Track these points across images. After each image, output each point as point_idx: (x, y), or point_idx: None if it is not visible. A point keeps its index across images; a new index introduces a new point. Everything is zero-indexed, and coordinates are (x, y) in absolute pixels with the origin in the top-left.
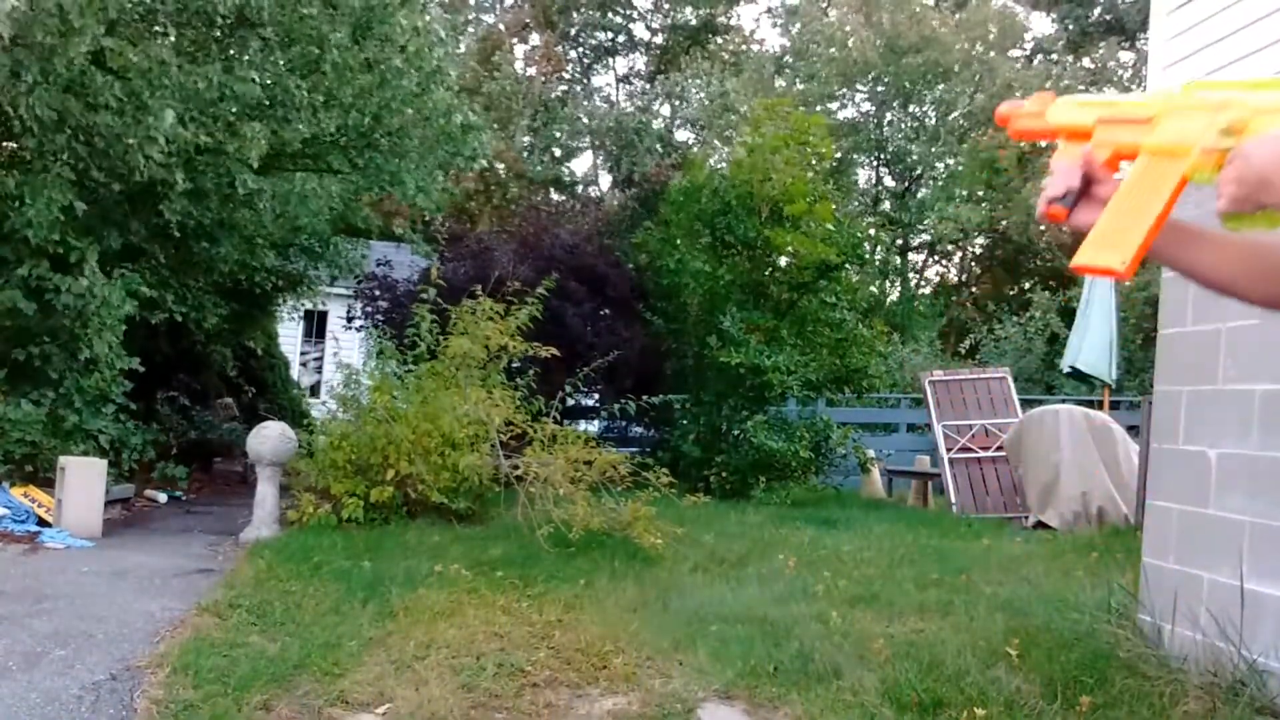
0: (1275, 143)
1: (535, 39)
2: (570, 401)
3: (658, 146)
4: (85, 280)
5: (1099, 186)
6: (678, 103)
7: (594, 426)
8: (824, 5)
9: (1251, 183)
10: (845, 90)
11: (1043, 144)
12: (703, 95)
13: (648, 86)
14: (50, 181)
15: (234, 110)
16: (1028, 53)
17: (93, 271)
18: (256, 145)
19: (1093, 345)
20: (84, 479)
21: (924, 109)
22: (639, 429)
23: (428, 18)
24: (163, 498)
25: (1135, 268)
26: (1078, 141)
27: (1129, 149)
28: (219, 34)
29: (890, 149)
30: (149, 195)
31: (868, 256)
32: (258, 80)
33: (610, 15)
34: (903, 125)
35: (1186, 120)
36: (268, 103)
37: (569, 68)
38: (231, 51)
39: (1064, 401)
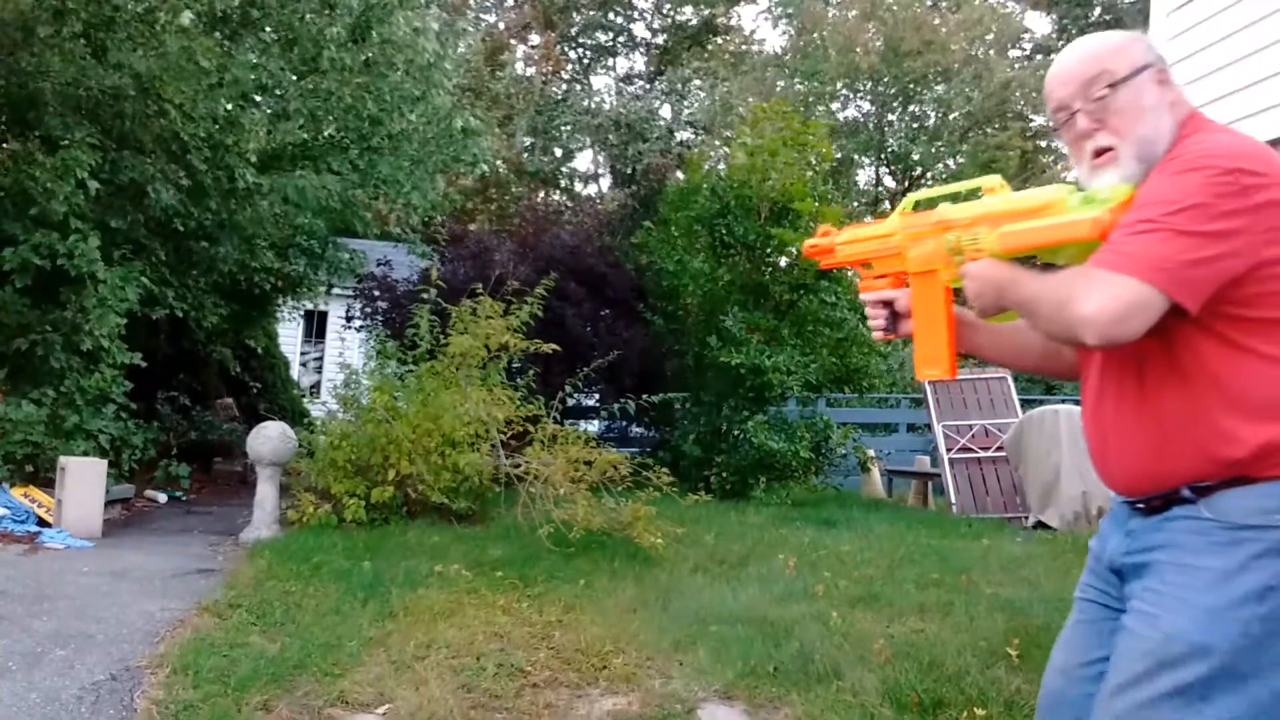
0: (986, 270)
1: (535, 39)
2: (570, 401)
3: (662, 138)
4: (94, 263)
5: (899, 301)
6: (679, 100)
7: (594, 426)
8: (826, 5)
9: (986, 297)
10: (846, 90)
11: (1043, 143)
12: (703, 95)
13: (648, 87)
14: (76, 143)
15: (232, 101)
16: (1027, 52)
17: (94, 258)
18: (255, 136)
19: None
20: (84, 479)
21: (924, 109)
22: (639, 429)
23: (427, 16)
24: (163, 498)
25: (955, 367)
26: (868, 270)
27: (901, 273)
28: (219, 35)
29: (890, 149)
30: (167, 156)
31: None
32: (256, 78)
33: (611, 15)
34: (903, 125)
35: (924, 246)
36: (258, 97)
37: (569, 68)
38: (229, 48)
39: (1064, 401)
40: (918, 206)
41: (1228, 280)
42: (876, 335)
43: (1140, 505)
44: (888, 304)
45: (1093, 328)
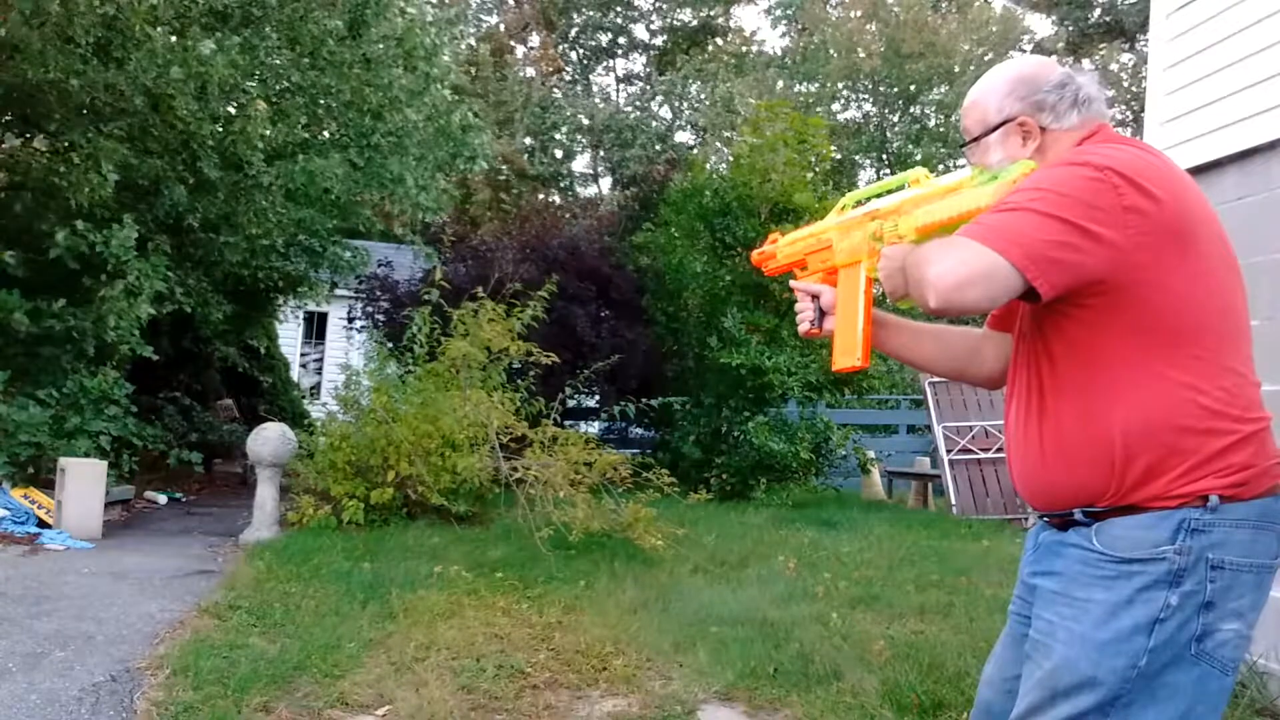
0: (894, 251)
1: (535, 39)
2: (571, 403)
3: (656, 146)
4: (129, 252)
5: (824, 297)
6: (678, 102)
7: (594, 428)
8: (828, 6)
9: (894, 279)
10: (847, 91)
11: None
12: (703, 96)
13: (647, 88)
14: (105, 134)
15: (241, 92)
16: (1028, 54)
17: (130, 248)
18: (262, 121)
19: None
20: (84, 480)
21: (926, 110)
22: (639, 430)
23: (428, 16)
24: (162, 499)
25: (869, 357)
26: (803, 269)
27: (831, 267)
28: (221, 34)
29: (892, 150)
30: (176, 157)
31: None
32: (259, 74)
33: (610, 16)
34: (905, 126)
35: (851, 237)
36: (253, 85)
37: (569, 68)
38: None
39: None
40: (858, 205)
41: (1089, 279)
42: (803, 329)
43: (1046, 518)
44: (815, 297)
45: (934, 289)
